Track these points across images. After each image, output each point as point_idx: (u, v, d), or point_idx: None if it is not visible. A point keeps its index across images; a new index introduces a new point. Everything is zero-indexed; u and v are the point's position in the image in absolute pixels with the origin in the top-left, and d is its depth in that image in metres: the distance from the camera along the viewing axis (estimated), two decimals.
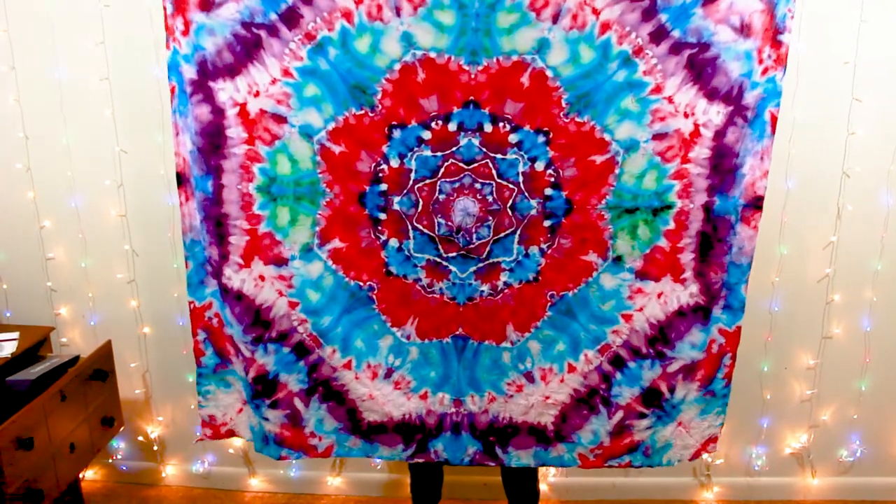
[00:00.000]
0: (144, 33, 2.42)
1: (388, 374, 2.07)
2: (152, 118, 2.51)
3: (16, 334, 2.57)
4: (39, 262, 2.75)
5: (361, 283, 2.01)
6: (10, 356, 2.41)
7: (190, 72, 1.85)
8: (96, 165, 2.62)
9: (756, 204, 1.94)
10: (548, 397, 2.07)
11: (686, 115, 1.84)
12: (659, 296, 1.99)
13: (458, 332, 2.04)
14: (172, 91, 1.91)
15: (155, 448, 2.95)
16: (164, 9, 1.83)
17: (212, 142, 1.89)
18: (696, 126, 1.84)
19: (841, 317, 2.64)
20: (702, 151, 1.86)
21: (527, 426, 2.10)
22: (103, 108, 2.55)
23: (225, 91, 1.85)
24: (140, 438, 2.94)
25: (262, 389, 2.07)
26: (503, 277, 1.99)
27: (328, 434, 2.12)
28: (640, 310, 2.00)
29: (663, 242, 1.94)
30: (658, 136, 1.86)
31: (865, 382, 2.69)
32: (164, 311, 2.76)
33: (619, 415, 2.08)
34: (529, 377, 2.06)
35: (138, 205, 2.66)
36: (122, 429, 2.69)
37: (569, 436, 2.11)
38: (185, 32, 1.83)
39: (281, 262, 1.99)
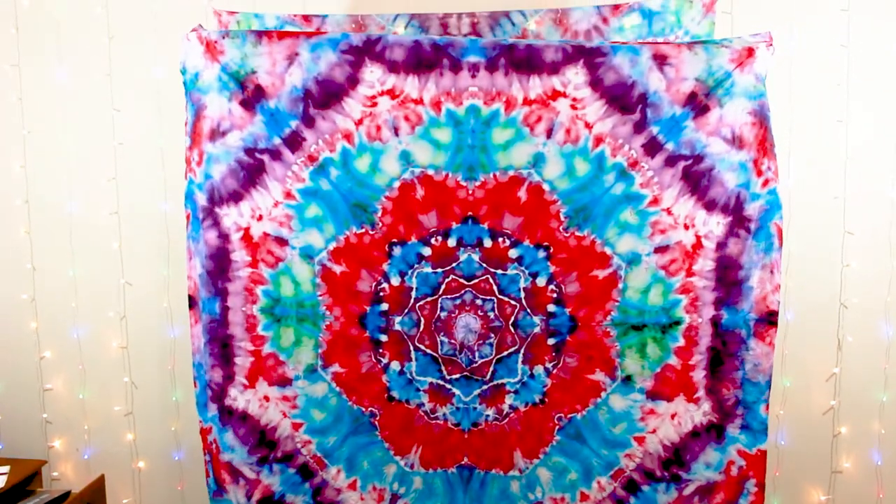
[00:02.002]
0: (155, 169, 2.51)
1: (394, 501, 2.02)
2: (159, 251, 2.55)
3: (6, 468, 2.51)
4: (37, 392, 2.73)
5: (364, 409, 1.98)
6: None
7: (202, 199, 1.92)
8: (100, 297, 2.65)
9: (770, 319, 1.93)
10: None
11: (686, 227, 1.86)
12: (672, 416, 1.95)
13: (463, 462, 2.00)
14: (188, 218, 1.98)
15: None
16: (187, 144, 1.93)
17: (219, 265, 1.94)
18: (698, 238, 1.86)
19: (850, 450, 2.58)
20: (706, 263, 1.87)
21: None
22: (111, 241, 2.60)
23: (229, 216, 1.92)
24: None
25: None
26: (508, 400, 1.96)
27: None
28: (654, 431, 1.95)
29: (674, 360, 1.92)
30: (660, 249, 1.87)
31: None
32: (160, 445, 2.70)
33: None
34: None
35: (140, 337, 2.66)
36: None
37: None
38: (199, 163, 1.92)
39: (285, 382, 1.99)
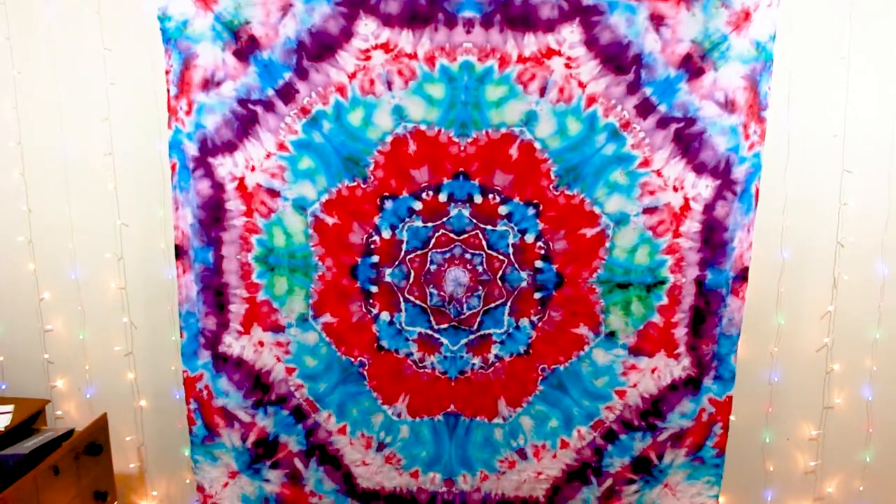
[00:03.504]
0: (148, 110, 2.47)
1: (380, 448, 2.07)
2: (154, 192, 2.54)
3: (10, 407, 2.55)
4: (37, 334, 2.75)
5: (353, 359, 2.01)
6: (3, 429, 2.39)
7: (192, 149, 1.91)
8: (97, 239, 2.65)
9: (743, 275, 1.98)
10: (540, 473, 2.05)
11: (675, 189, 1.87)
12: (653, 371, 1.99)
13: (449, 409, 2.04)
14: (173, 168, 1.97)
15: None
16: (168, 91, 1.89)
17: (212, 215, 1.94)
18: (686, 200, 1.88)
19: (842, 386, 2.62)
20: (692, 225, 1.89)
21: (519, 500, 2.08)
22: (106, 182, 2.59)
23: (224, 166, 1.91)
24: None
25: (264, 452, 2.09)
26: (494, 350, 2.00)
27: (328, 493, 2.11)
28: (634, 385, 2.00)
29: (657, 318, 1.96)
30: (648, 210, 1.89)
31: (870, 453, 2.66)
32: (161, 385, 2.74)
33: (609, 482, 2.06)
34: (522, 454, 2.05)
35: (138, 278, 2.67)
36: None
37: None
38: (188, 112, 1.91)
39: (278, 329, 2.01)
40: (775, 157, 2.40)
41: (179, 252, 2.03)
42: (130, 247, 2.65)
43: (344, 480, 2.10)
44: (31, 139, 2.62)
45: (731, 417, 2.60)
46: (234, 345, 2.02)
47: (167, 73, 1.91)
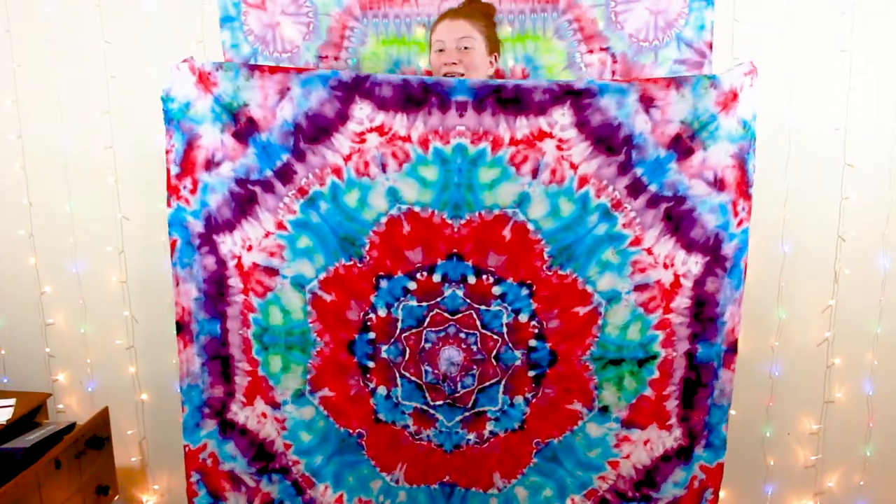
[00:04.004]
0: (148, 102, 2.46)
1: None
2: (154, 186, 2.54)
3: (12, 401, 2.55)
4: (38, 327, 2.75)
5: (351, 431, 2.04)
6: (5, 423, 2.39)
7: (198, 226, 1.97)
8: (98, 232, 2.65)
9: (733, 348, 2.00)
10: None
11: (666, 266, 1.89)
12: (645, 443, 2.02)
13: (445, 480, 2.07)
14: (173, 245, 2.02)
15: None
16: (168, 170, 1.97)
17: (217, 289, 2.00)
18: (677, 276, 1.90)
19: (842, 381, 2.62)
20: (682, 301, 1.91)
21: None
22: (107, 175, 2.59)
23: (225, 244, 1.97)
24: None
25: None
26: (489, 426, 2.03)
27: None
28: (627, 457, 2.02)
29: (649, 392, 1.98)
30: (639, 288, 1.91)
31: (870, 447, 2.66)
32: (162, 378, 2.74)
33: None
34: None
35: (139, 271, 2.68)
36: (116, 498, 2.64)
37: None
38: (193, 191, 1.96)
39: (275, 405, 2.05)
40: (776, 150, 2.40)
41: (180, 328, 2.05)
42: (131, 240, 2.66)
43: None
44: (31, 132, 2.62)
45: (731, 411, 2.60)
46: (239, 413, 2.07)
47: (167, 152, 1.97)
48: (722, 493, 2.68)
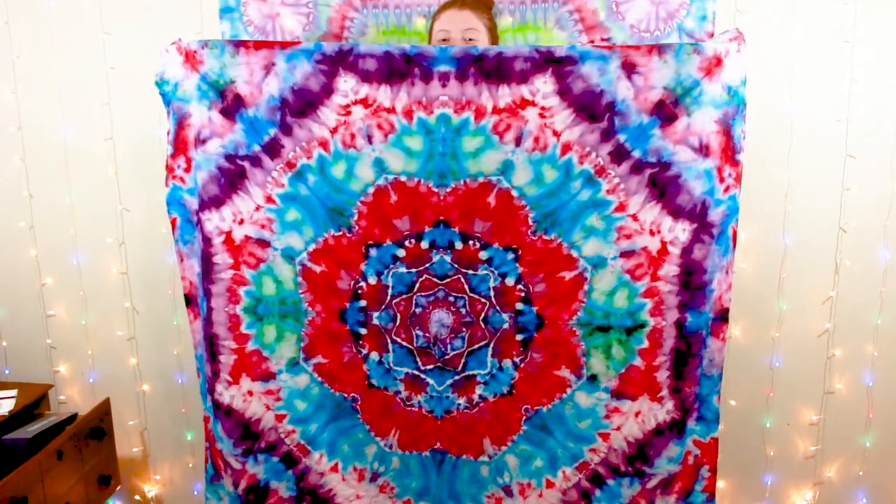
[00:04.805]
0: (148, 94, 2.46)
1: (374, 479, 2.11)
2: (155, 177, 2.54)
3: (14, 392, 2.56)
4: (40, 319, 2.76)
5: (346, 395, 2.04)
6: (7, 414, 2.40)
7: (195, 204, 1.97)
8: (98, 224, 2.65)
9: (723, 316, 1.99)
10: None
11: (652, 233, 1.88)
12: (637, 415, 2.00)
13: (436, 447, 2.06)
14: (174, 223, 2.04)
15: None
16: (167, 151, 1.99)
17: (203, 268, 2.00)
18: (664, 244, 1.88)
19: (843, 372, 2.62)
20: (671, 269, 1.89)
21: None
22: (107, 167, 2.59)
23: (211, 221, 1.95)
24: (137, 498, 2.91)
25: (255, 498, 2.11)
26: (478, 390, 2.02)
27: None
28: (618, 429, 2.01)
29: (638, 361, 1.96)
30: (626, 254, 1.89)
31: (870, 438, 2.66)
32: (163, 369, 2.75)
33: None
34: (508, 491, 2.07)
35: (139, 263, 2.68)
36: (118, 488, 2.66)
37: None
38: (188, 169, 1.97)
39: (269, 376, 2.05)
40: (778, 141, 2.40)
41: (189, 301, 2.10)
42: (132, 232, 2.66)
43: None
44: (31, 124, 2.61)
45: (732, 402, 2.62)
46: (224, 394, 2.06)
47: (168, 133, 1.99)
48: (722, 483, 2.70)
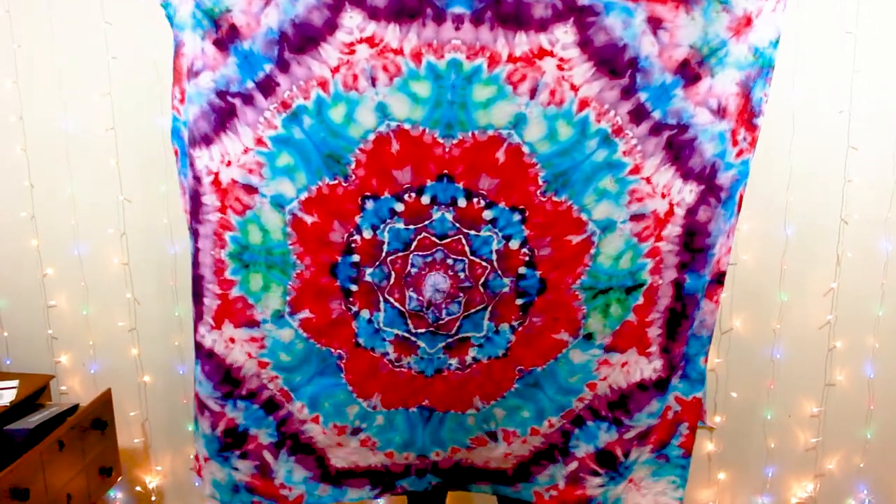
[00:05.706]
0: (150, 84, 2.47)
1: (355, 433, 2.04)
2: (156, 168, 2.54)
3: (15, 382, 2.56)
4: (41, 309, 2.76)
5: (332, 350, 1.99)
6: (8, 405, 2.40)
7: (187, 137, 1.88)
8: (100, 214, 2.64)
9: (719, 279, 1.96)
10: (509, 454, 2.06)
11: (663, 196, 1.82)
12: (623, 365, 1.97)
13: (423, 403, 2.02)
14: (176, 154, 1.95)
15: (153, 499, 2.91)
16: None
17: (193, 206, 1.90)
18: (671, 205, 1.83)
19: (844, 363, 2.63)
20: (674, 229, 1.84)
21: (488, 470, 2.10)
22: (108, 157, 2.59)
23: (201, 159, 1.85)
24: (138, 489, 2.91)
25: (233, 441, 2.05)
26: (472, 353, 1.96)
27: (298, 484, 2.09)
28: (605, 378, 1.98)
29: (632, 317, 1.91)
30: (636, 217, 1.83)
31: (871, 430, 2.67)
32: (164, 360, 2.75)
33: (574, 465, 2.05)
34: (492, 436, 2.05)
35: (141, 253, 2.67)
36: (119, 479, 2.66)
37: (527, 477, 2.10)
38: (182, 101, 1.87)
39: (253, 324, 1.95)
40: (780, 132, 2.40)
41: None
42: (133, 222, 2.65)
43: (317, 465, 2.08)
44: (32, 114, 2.60)
45: (733, 394, 2.62)
46: (206, 337, 1.97)
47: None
48: (722, 475, 2.71)
